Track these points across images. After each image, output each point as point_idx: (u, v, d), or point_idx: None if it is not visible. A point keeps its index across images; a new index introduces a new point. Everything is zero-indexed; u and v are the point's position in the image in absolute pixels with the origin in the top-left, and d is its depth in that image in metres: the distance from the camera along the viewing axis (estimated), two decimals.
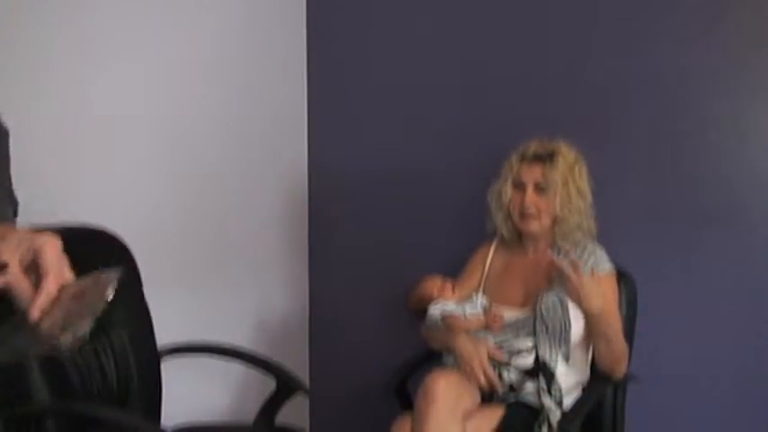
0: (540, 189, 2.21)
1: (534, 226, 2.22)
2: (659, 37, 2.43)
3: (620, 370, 2.12)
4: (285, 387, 2.24)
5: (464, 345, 2.11)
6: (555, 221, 2.22)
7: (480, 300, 2.26)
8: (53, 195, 2.10)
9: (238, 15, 2.73)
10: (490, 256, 2.37)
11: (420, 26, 2.80)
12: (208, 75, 2.60)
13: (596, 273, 2.08)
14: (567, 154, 2.22)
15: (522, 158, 2.25)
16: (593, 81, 2.52)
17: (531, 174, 2.22)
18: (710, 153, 2.40)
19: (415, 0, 2.82)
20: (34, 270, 0.93)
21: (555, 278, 2.13)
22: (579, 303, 2.01)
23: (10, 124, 1.22)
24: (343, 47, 2.96)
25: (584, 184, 2.24)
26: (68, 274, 0.95)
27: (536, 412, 2.05)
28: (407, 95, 2.83)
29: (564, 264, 2.01)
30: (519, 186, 2.24)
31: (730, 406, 2.38)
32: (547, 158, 2.21)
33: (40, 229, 0.96)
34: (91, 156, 2.21)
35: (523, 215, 2.22)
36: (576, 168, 2.22)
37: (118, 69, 2.27)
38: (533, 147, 2.25)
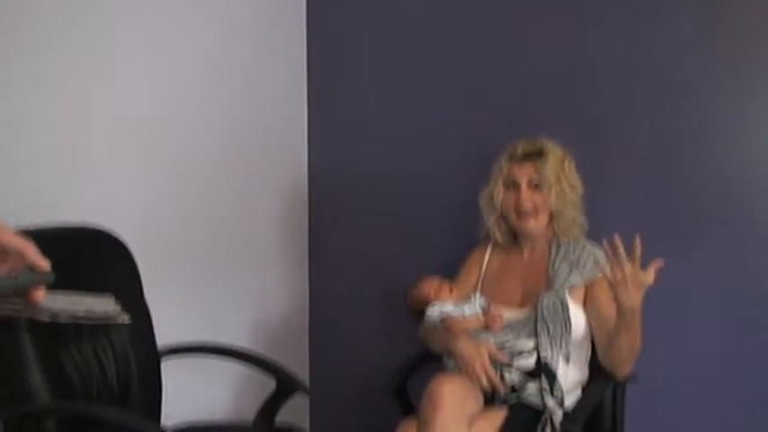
0: (534, 186, 2.22)
1: (532, 223, 2.23)
2: (659, 37, 2.43)
3: (626, 369, 2.09)
4: (285, 387, 2.24)
5: (465, 346, 2.11)
6: (552, 218, 2.23)
7: (479, 300, 2.26)
8: (54, 195, 2.10)
9: (239, 16, 2.73)
10: (487, 256, 2.38)
11: (420, 27, 2.80)
12: (208, 74, 2.59)
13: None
14: (554, 150, 2.24)
15: (512, 158, 2.26)
16: (593, 81, 2.52)
17: (524, 172, 2.23)
18: (710, 153, 2.40)
19: (414, 1, 2.82)
20: None
21: (556, 276, 2.16)
22: (620, 297, 1.93)
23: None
24: (344, 47, 2.96)
25: (575, 179, 2.26)
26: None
27: (538, 413, 2.05)
28: (407, 96, 2.83)
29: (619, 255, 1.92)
30: (512, 186, 2.26)
31: (730, 406, 2.38)
32: (537, 156, 2.23)
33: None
34: (91, 156, 2.20)
35: (521, 213, 2.23)
36: (566, 163, 2.24)
37: (119, 69, 2.27)
38: (521, 146, 2.27)
